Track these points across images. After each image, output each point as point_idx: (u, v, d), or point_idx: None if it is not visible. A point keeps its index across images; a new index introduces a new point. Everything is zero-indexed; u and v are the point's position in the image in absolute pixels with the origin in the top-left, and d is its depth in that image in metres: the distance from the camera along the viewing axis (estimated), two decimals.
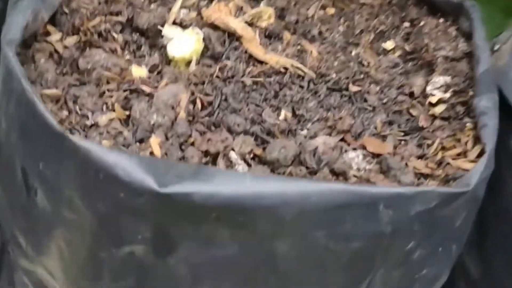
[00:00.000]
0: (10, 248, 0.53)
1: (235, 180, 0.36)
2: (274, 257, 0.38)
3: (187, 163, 0.40)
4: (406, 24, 0.60)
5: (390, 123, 0.48)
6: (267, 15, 0.55)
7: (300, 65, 0.51)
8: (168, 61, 0.51)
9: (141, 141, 0.43)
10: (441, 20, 0.59)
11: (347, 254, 0.38)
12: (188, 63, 0.51)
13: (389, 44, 0.57)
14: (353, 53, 0.56)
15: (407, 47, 0.56)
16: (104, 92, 0.46)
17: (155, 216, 0.37)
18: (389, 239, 0.38)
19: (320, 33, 0.57)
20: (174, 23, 0.54)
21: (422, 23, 0.59)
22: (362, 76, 0.52)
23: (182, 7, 0.56)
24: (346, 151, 0.43)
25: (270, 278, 0.40)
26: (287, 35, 0.55)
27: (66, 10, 0.52)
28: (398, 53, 0.57)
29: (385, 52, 0.57)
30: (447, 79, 0.51)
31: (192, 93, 0.47)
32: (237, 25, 0.53)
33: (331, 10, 0.61)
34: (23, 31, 0.43)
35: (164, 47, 0.52)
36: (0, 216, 0.51)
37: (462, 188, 0.38)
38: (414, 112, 0.50)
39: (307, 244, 0.37)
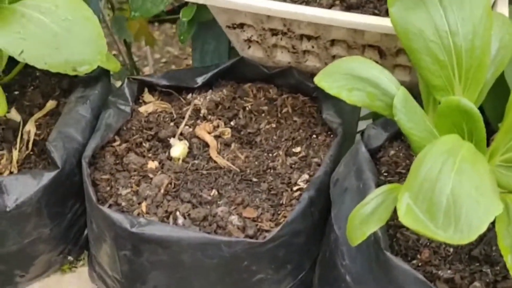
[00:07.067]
0: None
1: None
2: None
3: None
4: (314, 136, 1.01)
5: (268, 199, 0.91)
6: (226, 132, 1.01)
7: (231, 165, 0.95)
8: (170, 157, 0.99)
9: (139, 203, 0.91)
10: (329, 133, 1.00)
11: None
12: (179, 159, 0.98)
13: (298, 149, 0.99)
14: (274, 154, 0.99)
15: (303, 152, 0.98)
16: (131, 176, 0.95)
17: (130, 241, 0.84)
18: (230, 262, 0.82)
19: (260, 141, 1.01)
20: (180, 134, 1.02)
21: (318, 137, 1.00)
22: (268, 170, 0.95)
23: (185, 125, 1.03)
24: (232, 214, 0.87)
25: None
26: (234, 145, 0.99)
27: (124, 128, 1.02)
28: (301, 155, 0.98)
29: (294, 154, 0.99)
30: (307, 176, 0.92)
31: (171, 179, 0.94)
32: (208, 138, 0.99)
33: (273, 125, 1.03)
34: (93, 150, 0.94)
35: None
36: None
37: (263, 240, 0.80)
38: (284, 194, 0.91)
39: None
